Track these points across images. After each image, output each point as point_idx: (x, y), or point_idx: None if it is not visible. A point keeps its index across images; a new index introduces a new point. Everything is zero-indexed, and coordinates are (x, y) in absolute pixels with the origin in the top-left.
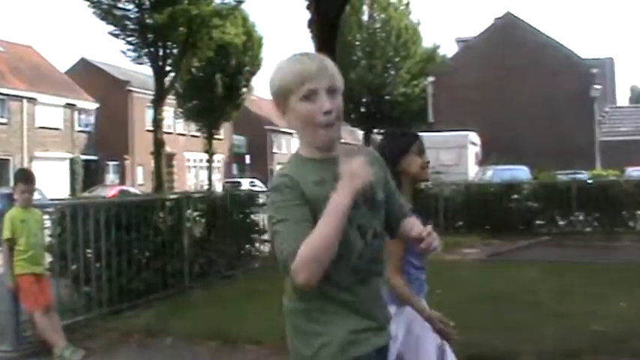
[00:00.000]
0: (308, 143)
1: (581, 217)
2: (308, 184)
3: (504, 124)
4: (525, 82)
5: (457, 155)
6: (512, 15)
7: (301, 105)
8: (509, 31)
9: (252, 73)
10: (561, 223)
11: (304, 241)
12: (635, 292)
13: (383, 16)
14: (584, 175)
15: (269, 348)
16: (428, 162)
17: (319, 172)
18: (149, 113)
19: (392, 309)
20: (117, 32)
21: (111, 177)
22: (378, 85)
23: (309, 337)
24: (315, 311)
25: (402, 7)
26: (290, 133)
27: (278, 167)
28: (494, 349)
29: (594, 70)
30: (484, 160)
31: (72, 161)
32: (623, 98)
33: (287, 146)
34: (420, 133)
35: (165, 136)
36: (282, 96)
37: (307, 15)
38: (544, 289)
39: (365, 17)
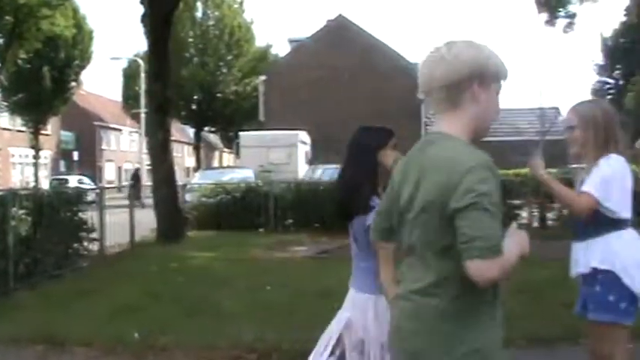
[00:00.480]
0: (473, 130)
1: None
2: None
3: (335, 124)
4: (355, 83)
5: (287, 154)
6: (344, 17)
7: (495, 97)
8: (340, 33)
9: (82, 67)
10: None
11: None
12: None
13: (217, 13)
14: None
15: (99, 349)
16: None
17: None
18: None
19: (361, 295)
20: None
21: None
22: (210, 83)
23: (452, 340)
24: (467, 315)
25: (235, 6)
26: (119, 130)
27: (132, 165)
28: None
29: None
30: (314, 159)
31: None
32: None
33: (116, 143)
34: (251, 132)
35: None
36: (487, 78)
37: (141, 9)
38: None
39: (199, 14)
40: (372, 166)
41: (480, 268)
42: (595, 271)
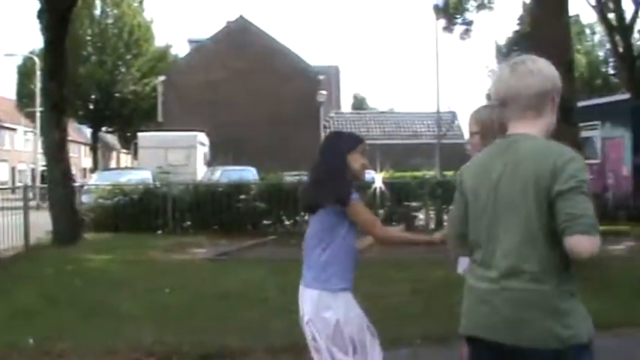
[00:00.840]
0: (545, 135)
1: (306, 217)
2: None
3: (234, 126)
4: (255, 85)
5: (186, 155)
6: (245, 19)
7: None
8: (240, 35)
9: None
10: (287, 222)
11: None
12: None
13: (116, 11)
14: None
15: None
16: (367, 164)
17: None
18: None
19: (329, 297)
20: None
21: None
22: (108, 82)
23: (573, 316)
24: (571, 296)
25: (135, 4)
26: (14, 129)
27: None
28: (226, 347)
29: (321, 77)
30: (213, 161)
31: None
32: (346, 104)
33: (10, 142)
34: (149, 133)
35: None
36: (558, 93)
37: (37, 5)
38: (271, 286)
39: (97, 12)
40: (342, 167)
41: (585, 244)
42: None
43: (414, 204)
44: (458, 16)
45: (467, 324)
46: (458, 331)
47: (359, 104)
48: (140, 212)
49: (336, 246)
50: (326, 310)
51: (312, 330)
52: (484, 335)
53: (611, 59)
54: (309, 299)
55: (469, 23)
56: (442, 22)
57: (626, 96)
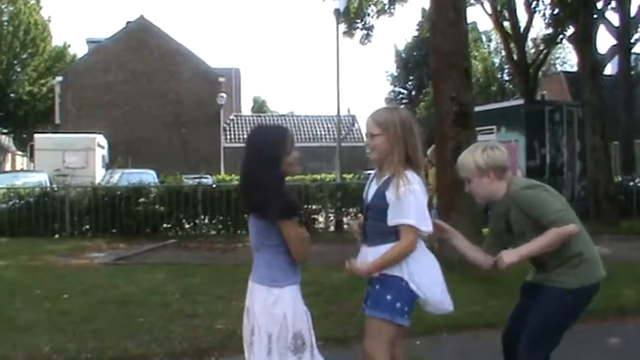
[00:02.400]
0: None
1: (206, 220)
2: None
3: (133, 128)
4: (155, 86)
5: (84, 158)
6: (145, 19)
7: None
8: (141, 36)
9: None
10: (187, 226)
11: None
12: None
13: (11, 8)
14: (209, 180)
15: None
16: (299, 157)
17: None
18: None
19: (277, 292)
20: None
21: None
22: (2, 82)
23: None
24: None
25: (32, 2)
26: None
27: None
28: (126, 352)
29: (221, 79)
30: (112, 163)
31: None
32: (246, 107)
33: None
34: (46, 135)
35: None
36: None
37: None
38: (172, 290)
39: None
40: (278, 179)
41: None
42: (382, 275)
43: (313, 207)
44: (358, 21)
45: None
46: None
47: (259, 107)
48: (37, 216)
49: (279, 244)
50: (273, 306)
51: (254, 323)
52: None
53: (506, 66)
54: (257, 294)
55: (369, 28)
56: (343, 26)
57: (521, 101)
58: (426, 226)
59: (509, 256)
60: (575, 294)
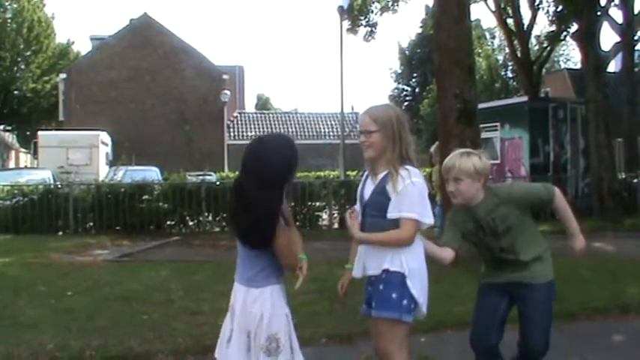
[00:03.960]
0: None
1: (210, 218)
2: None
3: (137, 125)
4: (159, 84)
5: (88, 155)
6: (149, 17)
7: None
8: (144, 33)
9: None
10: (191, 223)
11: None
12: None
13: (15, 6)
14: (213, 177)
15: None
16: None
17: None
18: None
19: (256, 292)
20: None
21: None
22: (6, 79)
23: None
24: None
25: None
26: None
27: None
28: (130, 349)
29: (225, 77)
30: (115, 161)
31: None
32: (250, 104)
33: None
34: (50, 132)
35: None
36: None
37: None
38: (175, 287)
39: None
40: (277, 206)
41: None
42: (383, 272)
43: (317, 204)
44: (362, 18)
45: None
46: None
47: (263, 104)
48: (40, 213)
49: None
50: (252, 305)
51: (234, 324)
52: None
53: (510, 63)
54: (239, 294)
55: (373, 25)
56: (347, 23)
57: (524, 98)
58: (429, 218)
59: (580, 241)
60: (553, 282)
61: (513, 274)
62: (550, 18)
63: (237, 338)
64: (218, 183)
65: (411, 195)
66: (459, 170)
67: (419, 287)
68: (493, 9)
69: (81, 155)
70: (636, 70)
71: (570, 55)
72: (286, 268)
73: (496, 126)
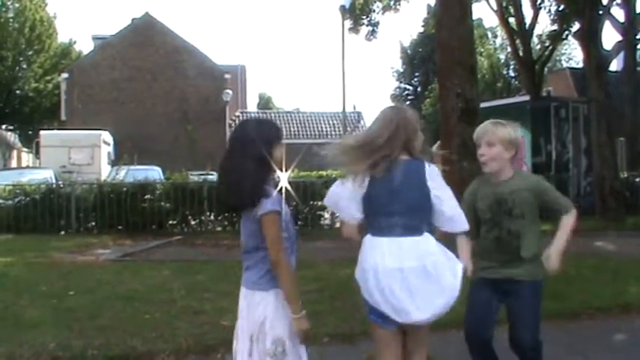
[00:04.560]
0: None
1: (212, 217)
2: None
3: (139, 125)
4: (161, 83)
5: (90, 154)
6: (151, 16)
7: None
8: (146, 32)
9: None
10: (193, 222)
11: None
12: None
13: (17, 5)
14: (214, 176)
15: None
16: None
17: None
18: None
19: (260, 295)
20: None
21: None
22: (8, 79)
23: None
24: None
25: None
26: None
27: None
28: (132, 349)
29: (227, 76)
30: (117, 160)
31: None
32: (252, 104)
33: None
34: (52, 131)
35: None
36: None
37: None
38: (177, 287)
39: None
40: (266, 161)
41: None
42: None
43: (319, 203)
44: (364, 17)
45: None
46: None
47: (265, 103)
48: (42, 213)
49: (266, 247)
50: (256, 307)
51: (240, 325)
52: None
53: (512, 62)
54: (244, 297)
55: (375, 24)
56: (348, 22)
57: (526, 98)
58: None
59: (554, 261)
60: (542, 283)
61: (507, 270)
62: (552, 17)
63: (242, 341)
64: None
65: (451, 199)
66: (492, 135)
67: (364, 288)
68: (495, 8)
69: (83, 155)
70: (638, 69)
71: (572, 54)
72: (272, 257)
73: None
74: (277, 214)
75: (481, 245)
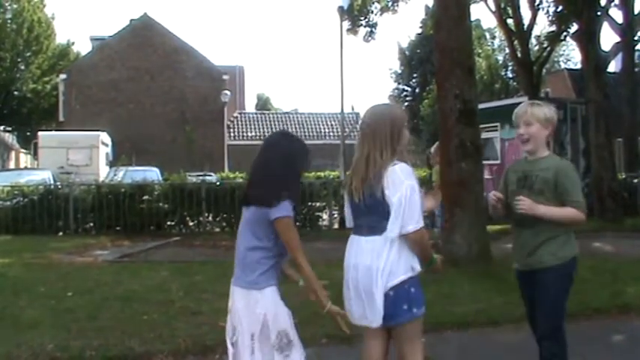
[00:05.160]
0: None
1: (210, 218)
2: None
3: (137, 126)
4: (159, 84)
5: (88, 155)
6: (149, 17)
7: None
8: (145, 33)
9: None
10: (191, 223)
11: None
12: None
13: (15, 6)
14: (213, 177)
15: None
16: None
17: None
18: None
19: (257, 294)
20: None
21: None
22: (6, 80)
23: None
24: None
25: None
26: None
27: None
28: (130, 350)
29: (225, 77)
30: (115, 161)
31: None
32: (250, 105)
33: None
34: (50, 132)
35: None
36: None
37: None
38: (176, 288)
39: None
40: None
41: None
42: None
43: (317, 204)
44: (362, 18)
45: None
46: (577, 250)
47: (263, 104)
48: (40, 214)
49: (271, 247)
50: (255, 306)
51: (237, 324)
52: None
53: (510, 63)
54: (238, 297)
55: (373, 25)
56: (347, 23)
57: (524, 99)
58: None
59: (533, 206)
60: (567, 265)
61: (528, 257)
62: (550, 18)
63: (241, 340)
64: (218, 183)
65: (412, 203)
66: (530, 114)
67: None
68: (493, 9)
69: (81, 156)
70: (636, 70)
71: (570, 55)
72: (292, 254)
73: (496, 126)
74: (291, 219)
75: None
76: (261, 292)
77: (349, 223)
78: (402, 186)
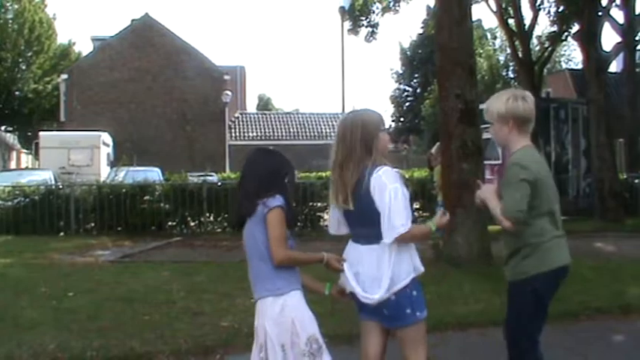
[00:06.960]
0: None
1: (211, 218)
2: None
3: (138, 126)
4: (160, 84)
5: (89, 155)
6: (150, 17)
7: None
8: (146, 34)
9: None
10: (192, 224)
11: None
12: None
13: (16, 6)
14: (214, 178)
15: None
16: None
17: None
18: None
19: (281, 299)
20: None
21: None
22: (7, 80)
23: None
24: None
25: (37, 0)
26: None
27: None
28: (131, 350)
29: (226, 77)
30: (117, 161)
31: None
32: (252, 105)
33: None
34: (51, 133)
35: None
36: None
37: None
38: (177, 288)
39: None
40: (280, 184)
41: None
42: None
43: (318, 204)
44: (363, 19)
45: (563, 258)
46: (551, 266)
47: (264, 104)
48: (42, 214)
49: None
50: (280, 313)
51: (265, 339)
52: (568, 263)
53: (511, 63)
54: (264, 309)
55: (374, 26)
56: (348, 24)
57: None
58: None
59: (481, 195)
60: (531, 280)
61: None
62: (551, 18)
63: (272, 354)
64: (219, 183)
65: (397, 204)
66: (489, 114)
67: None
68: (494, 9)
69: (82, 156)
70: (637, 70)
71: (571, 55)
72: (273, 255)
73: None
74: (282, 209)
75: None
76: (284, 297)
77: (333, 230)
78: (386, 191)
